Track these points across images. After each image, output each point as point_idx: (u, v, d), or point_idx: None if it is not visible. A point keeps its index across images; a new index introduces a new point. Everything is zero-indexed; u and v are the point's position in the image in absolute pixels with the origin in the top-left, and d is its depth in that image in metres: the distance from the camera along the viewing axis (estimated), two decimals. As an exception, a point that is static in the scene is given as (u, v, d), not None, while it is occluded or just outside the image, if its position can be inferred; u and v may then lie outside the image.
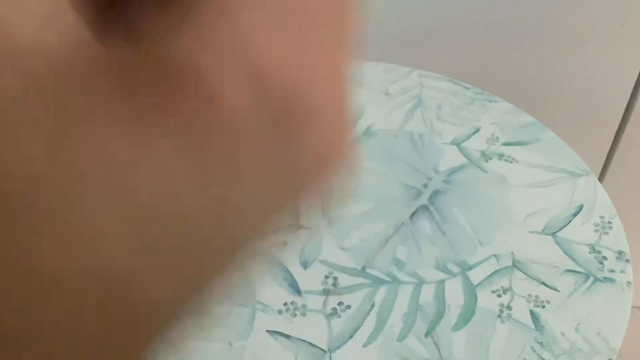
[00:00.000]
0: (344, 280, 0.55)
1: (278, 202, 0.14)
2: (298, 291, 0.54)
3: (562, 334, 0.52)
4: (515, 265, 0.56)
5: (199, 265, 0.14)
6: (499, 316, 0.53)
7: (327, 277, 0.55)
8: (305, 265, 0.56)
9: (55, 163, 0.11)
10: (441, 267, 0.56)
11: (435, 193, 0.62)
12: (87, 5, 0.11)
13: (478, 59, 0.81)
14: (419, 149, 0.66)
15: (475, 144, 0.66)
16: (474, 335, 0.52)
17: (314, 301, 0.54)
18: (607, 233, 0.59)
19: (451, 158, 0.65)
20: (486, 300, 0.54)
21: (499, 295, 0.54)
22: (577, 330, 0.52)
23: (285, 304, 0.54)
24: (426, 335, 0.52)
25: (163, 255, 0.13)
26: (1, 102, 0.10)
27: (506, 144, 0.67)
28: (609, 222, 0.60)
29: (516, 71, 0.82)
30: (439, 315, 0.53)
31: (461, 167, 0.64)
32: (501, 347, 0.51)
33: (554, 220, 0.60)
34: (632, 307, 0.54)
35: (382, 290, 0.55)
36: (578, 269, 0.56)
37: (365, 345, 0.51)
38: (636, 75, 0.83)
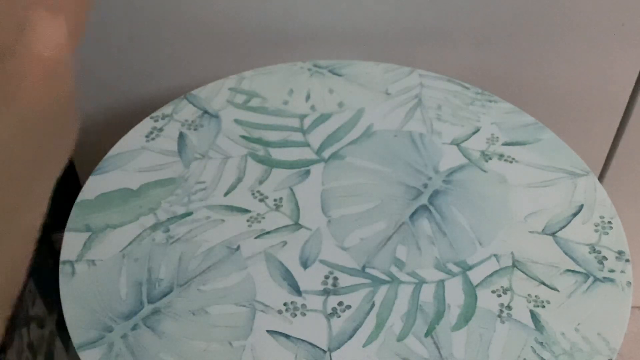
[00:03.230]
0: (344, 280, 0.55)
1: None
2: (298, 291, 0.54)
3: (562, 334, 0.52)
4: (515, 265, 0.56)
5: None
6: (499, 316, 0.53)
7: (327, 277, 0.55)
8: (305, 265, 0.56)
9: None
10: (441, 267, 0.56)
11: (435, 193, 0.62)
12: None
13: (478, 59, 0.81)
14: (419, 149, 0.66)
15: (475, 144, 0.66)
16: (474, 335, 0.52)
17: (314, 301, 0.54)
18: (607, 233, 0.59)
19: (451, 158, 0.65)
20: (486, 300, 0.54)
21: (499, 295, 0.54)
22: (577, 330, 0.52)
23: (285, 304, 0.54)
24: (426, 335, 0.52)
25: None
26: None
27: (506, 144, 0.67)
28: (609, 222, 0.60)
29: (516, 71, 0.82)
30: (439, 315, 0.53)
31: (461, 167, 0.64)
32: (501, 347, 0.51)
33: (554, 220, 0.60)
34: (632, 307, 0.54)
35: (382, 290, 0.55)
36: (578, 269, 0.56)
37: (365, 345, 0.51)
38: (636, 75, 0.83)
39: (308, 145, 0.66)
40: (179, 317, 0.53)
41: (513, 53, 0.81)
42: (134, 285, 0.55)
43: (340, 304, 0.54)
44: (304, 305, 0.53)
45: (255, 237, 0.58)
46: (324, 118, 0.69)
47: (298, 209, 0.60)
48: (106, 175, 0.63)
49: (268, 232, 0.58)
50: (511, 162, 0.65)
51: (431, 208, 0.61)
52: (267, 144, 0.66)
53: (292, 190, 0.62)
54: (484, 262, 0.57)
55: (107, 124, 0.87)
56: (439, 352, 0.51)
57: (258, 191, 0.62)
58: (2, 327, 0.16)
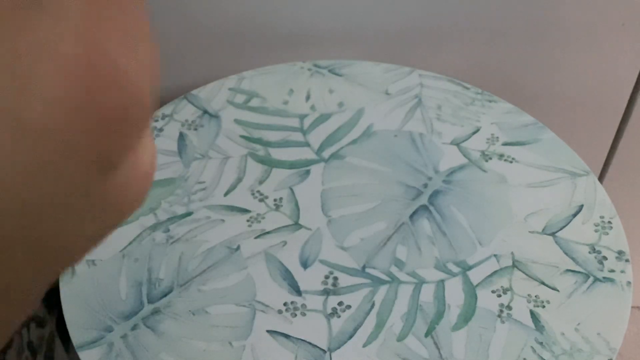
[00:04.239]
0: (344, 280, 0.55)
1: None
2: (298, 291, 0.54)
3: (562, 334, 0.52)
4: (515, 265, 0.56)
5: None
6: (499, 316, 0.53)
7: (327, 277, 0.55)
8: (305, 265, 0.56)
9: None
10: (441, 267, 0.56)
11: (435, 193, 0.62)
12: None
13: (478, 59, 0.81)
14: (419, 149, 0.66)
15: (475, 144, 0.66)
16: (474, 335, 0.52)
17: (314, 301, 0.54)
18: (607, 233, 0.59)
19: (451, 158, 0.65)
20: (486, 300, 0.54)
21: (499, 295, 0.54)
22: (577, 330, 0.52)
23: (285, 304, 0.54)
24: (426, 335, 0.52)
25: None
26: None
27: (506, 144, 0.67)
28: (609, 222, 0.60)
29: (516, 71, 0.82)
30: (439, 315, 0.53)
31: (461, 167, 0.64)
32: (501, 347, 0.51)
33: (554, 220, 0.60)
34: (632, 307, 0.54)
35: (382, 290, 0.55)
36: (578, 269, 0.56)
37: (365, 345, 0.51)
38: (636, 75, 0.83)
39: (308, 145, 0.66)
40: (179, 317, 0.53)
41: (513, 53, 0.81)
42: (134, 285, 0.55)
43: (340, 304, 0.54)
44: (304, 305, 0.53)
45: (255, 237, 0.58)
46: (324, 118, 0.69)
47: (298, 209, 0.60)
48: (106, 175, 0.63)
49: (268, 232, 0.58)
50: (511, 162, 0.65)
51: (431, 208, 0.61)
52: (267, 144, 0.66)
53: (292, 190, 0.62)
54: (484, 262, 0.57)
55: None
56: (439, 352, 0.51)
57: (258, 191, 0.62)
58: None
